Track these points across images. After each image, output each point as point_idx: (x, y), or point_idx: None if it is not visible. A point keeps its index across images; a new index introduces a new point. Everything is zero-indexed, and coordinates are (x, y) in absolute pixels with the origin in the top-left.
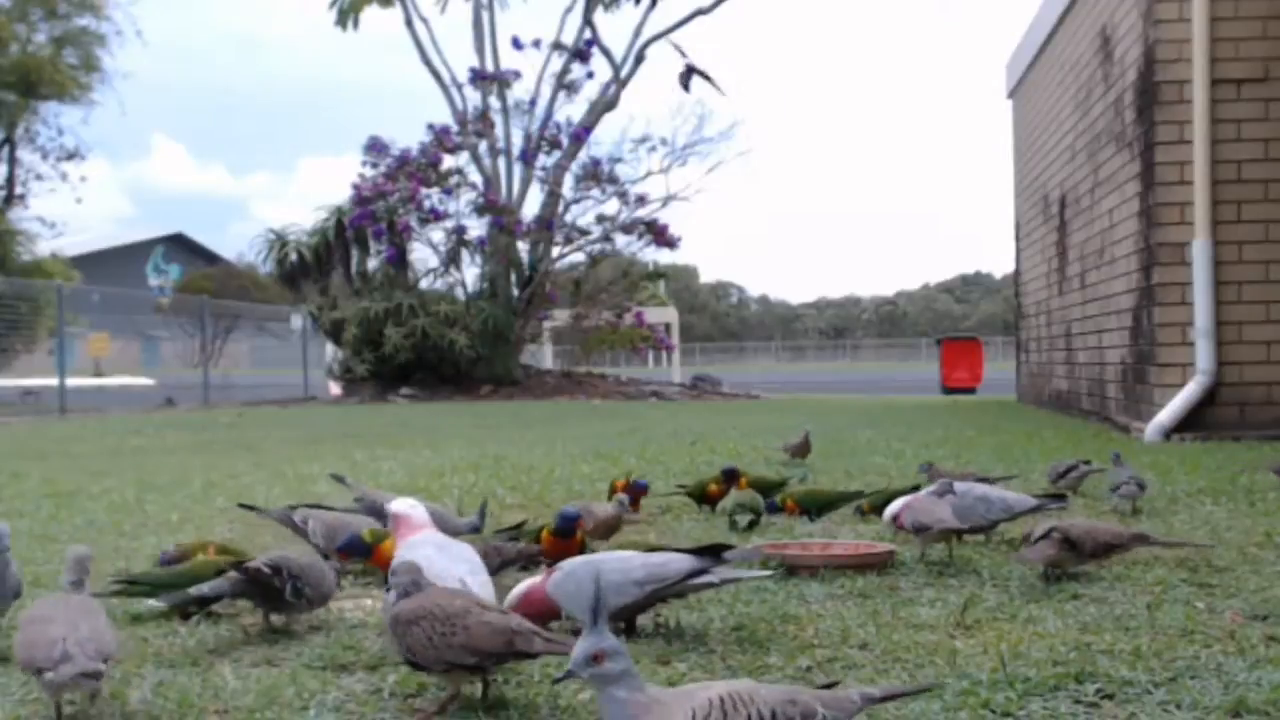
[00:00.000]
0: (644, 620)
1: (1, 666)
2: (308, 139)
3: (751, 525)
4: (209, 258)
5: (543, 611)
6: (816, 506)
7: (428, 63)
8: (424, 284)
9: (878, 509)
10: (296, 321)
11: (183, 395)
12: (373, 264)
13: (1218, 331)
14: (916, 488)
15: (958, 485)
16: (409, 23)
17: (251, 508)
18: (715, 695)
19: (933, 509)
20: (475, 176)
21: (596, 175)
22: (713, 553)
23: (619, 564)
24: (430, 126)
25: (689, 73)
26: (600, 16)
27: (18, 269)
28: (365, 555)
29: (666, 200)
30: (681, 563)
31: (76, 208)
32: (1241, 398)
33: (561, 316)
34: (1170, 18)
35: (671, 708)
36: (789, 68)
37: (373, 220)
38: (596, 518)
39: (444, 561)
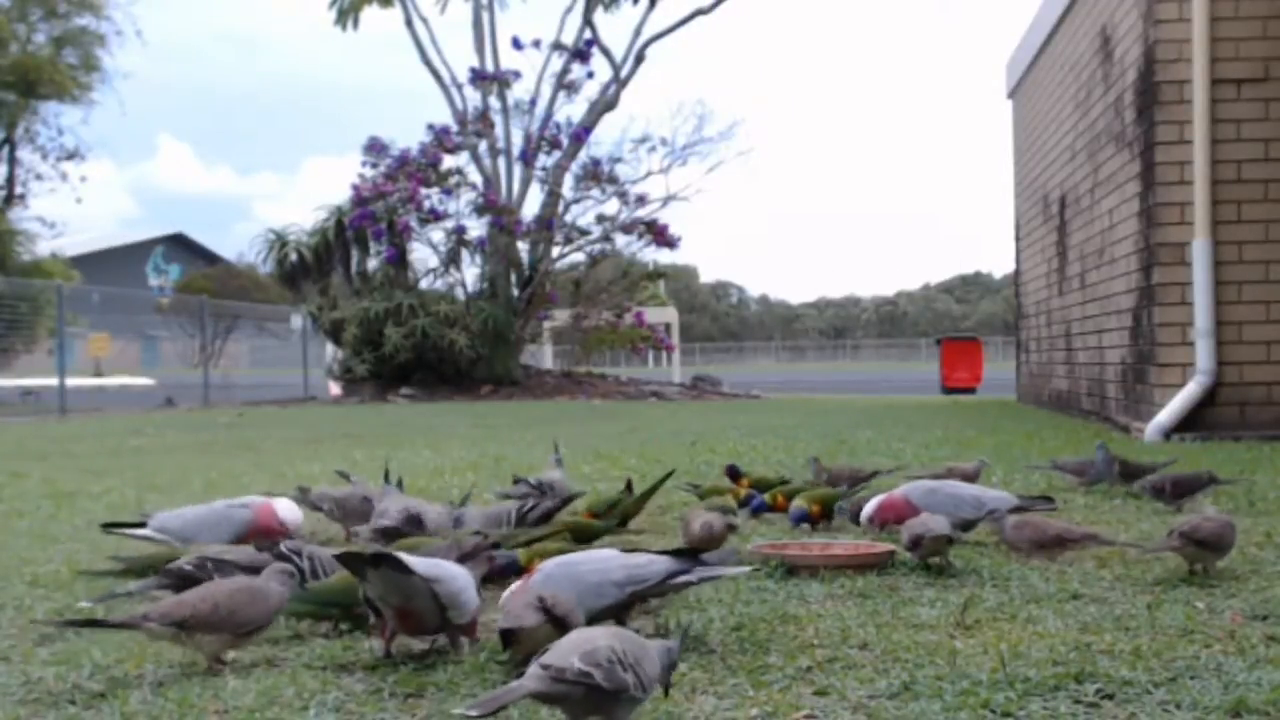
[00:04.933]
0: (643, 621)
1: (3, 665)
2: (310, 139)
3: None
4: (209, 258)
5: None
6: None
7: (428, 63)
8: (424, 284)
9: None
10: (296, 321)
11: (183, 395)
12: (373, 264)
13: (1218, 331)
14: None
15: (928, 484)
16: (409, 23)
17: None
18: None
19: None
20: (475, 176)
21: (596, 175)
22: (691, 555)
23: (598, 564)
24: (430, 126)
25: None
26: (600, 16)
27: (18, 269)
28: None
29: (666, 200)
30: (661, 564)
31: (81, 208)
32: (1241, 398)
33: (561, 316)
34: (1170, 18)
35: None
36: (789, 68)
37: (373, 220)
38: (692, 531)
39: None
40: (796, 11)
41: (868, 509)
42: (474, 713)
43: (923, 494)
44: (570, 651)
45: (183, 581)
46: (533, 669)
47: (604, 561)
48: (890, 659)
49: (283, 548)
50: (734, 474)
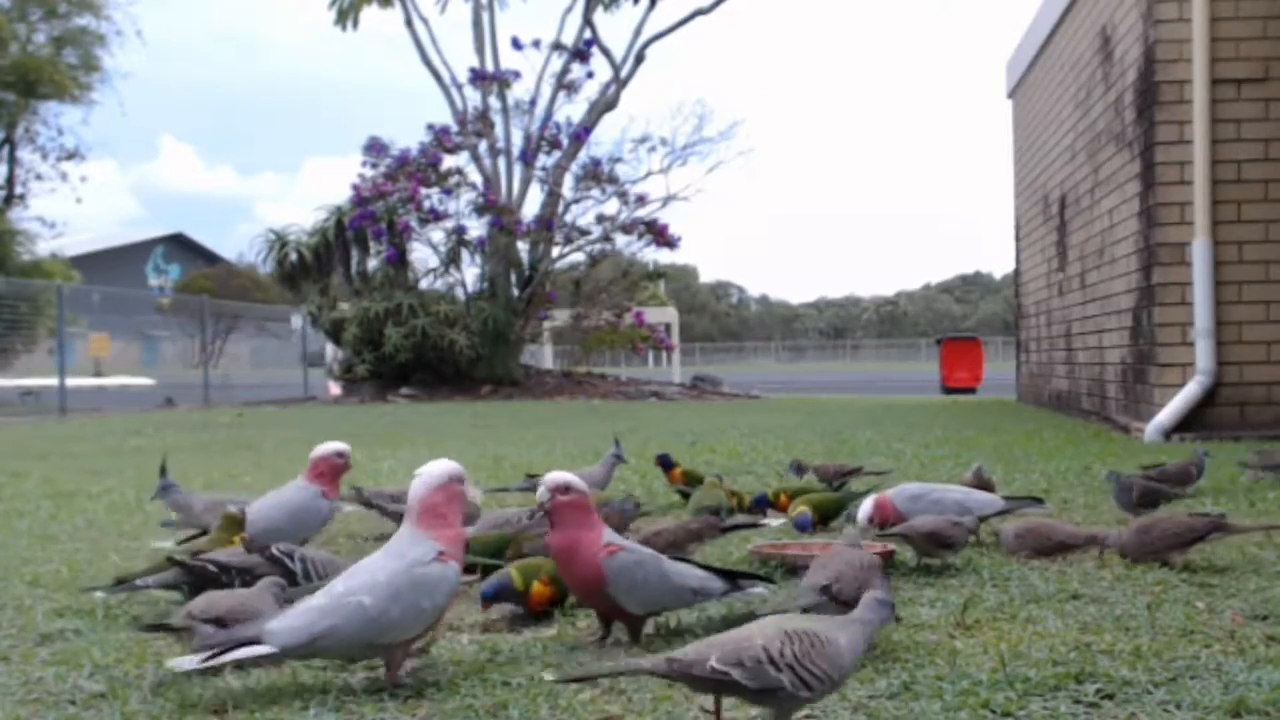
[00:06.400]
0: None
1: (2, 665)
2: (311, 139)
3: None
4: (209, 258)
5: (588, 581)
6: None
7: (428, 63)
8: (424, 284)
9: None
10: (297, 322)
11: (183, 395)
12: (373, 264)
13: (1218, 331)
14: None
15: (915, 488)
16: (409, 23)
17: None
18: None
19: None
20: (475, 176)
21: (596, 175)
22: (729, 576)
23: (682, 569)
24: (430, 126)
25: None
26: (600, 16)
27: (18, 269)
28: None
29: (666, 200)
30: (717, 581)
31: (82, 208)
32: (1241, 398)
33: (561, 316)
34: (1170, 18)
35: None
36: (789, 68)
37: (373, 220)
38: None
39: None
40: (796, 11)
41: (864, 509)
42: (550, 677)
43: (907, 499)
44: (714, 647)
45: (194, 577)
46: (660, 656)
47: (684, 568)
48: (890, 659)
49: (275, 550)
50: (666, 464)
